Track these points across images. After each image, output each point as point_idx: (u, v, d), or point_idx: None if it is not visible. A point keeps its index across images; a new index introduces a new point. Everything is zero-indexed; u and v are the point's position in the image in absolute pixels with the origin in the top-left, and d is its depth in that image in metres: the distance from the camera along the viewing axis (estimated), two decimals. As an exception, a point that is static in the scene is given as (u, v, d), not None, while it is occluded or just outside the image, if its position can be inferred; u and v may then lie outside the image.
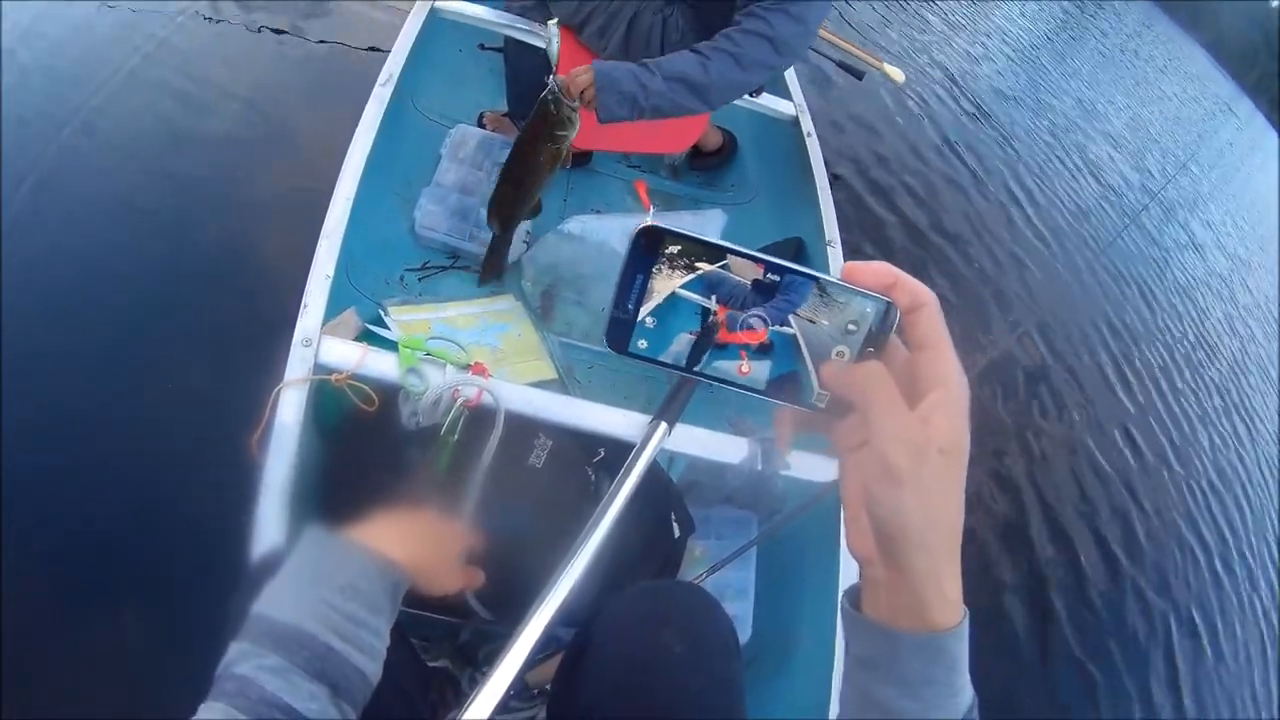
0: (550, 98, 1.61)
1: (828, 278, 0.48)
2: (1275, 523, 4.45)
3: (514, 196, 1.78)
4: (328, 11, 3.18)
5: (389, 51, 2.06)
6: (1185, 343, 5.47)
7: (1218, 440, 4.70)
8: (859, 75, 3.02)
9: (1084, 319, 4.71)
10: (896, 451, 0.45)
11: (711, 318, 0.48)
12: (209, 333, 1.90)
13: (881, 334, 0.49)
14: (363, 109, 1.85)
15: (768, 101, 2.45)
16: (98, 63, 2.48)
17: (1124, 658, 2.94)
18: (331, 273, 1.46)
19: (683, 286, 0.48)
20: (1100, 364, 4.41)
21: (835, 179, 3.72)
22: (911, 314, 0.48)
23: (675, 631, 1.03)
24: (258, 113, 2.57)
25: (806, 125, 2.45)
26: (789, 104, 2.51)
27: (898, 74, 3.05)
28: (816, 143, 2.40)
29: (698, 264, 0.47)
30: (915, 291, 0.47)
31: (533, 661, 1.02)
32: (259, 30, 2.89)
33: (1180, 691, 2.96)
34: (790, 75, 2.65)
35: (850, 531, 0.51)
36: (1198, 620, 3.32)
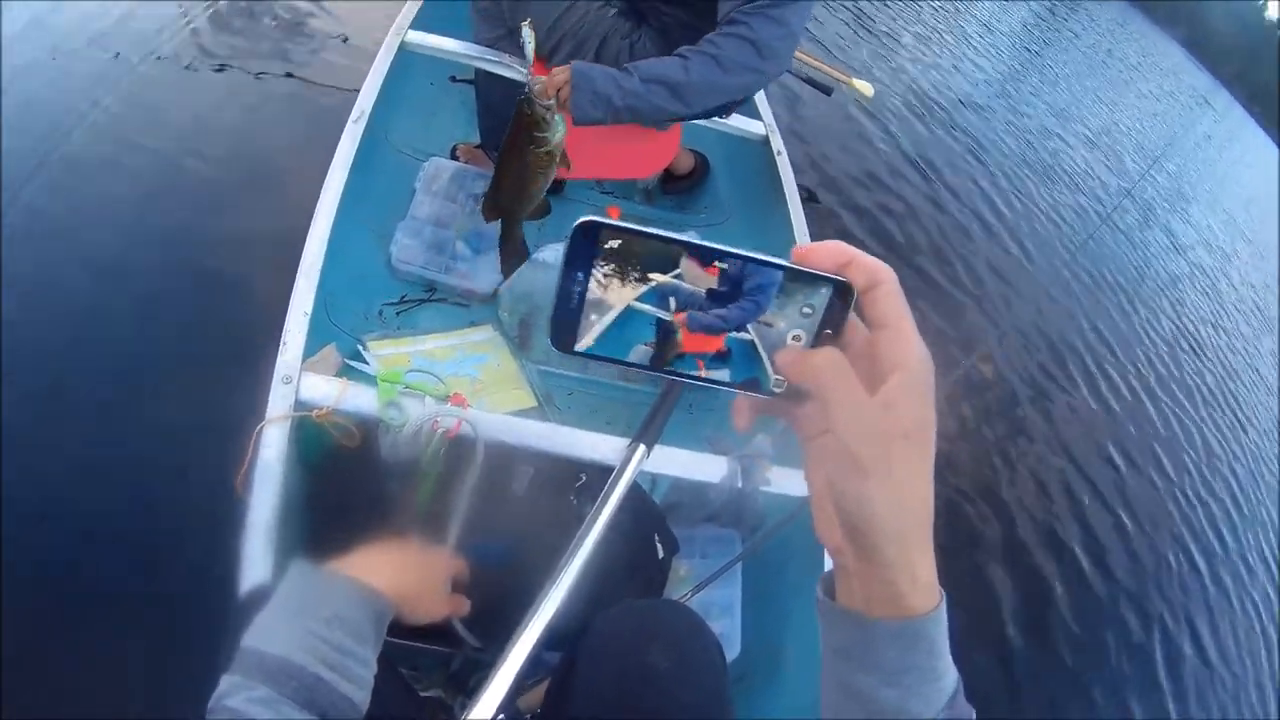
0: (523, 97, 1.61)
1: (779, 262, 0.46)
2: (1275, 523, 4.54)
3: (505, 194, 1.79)
4: (299, 50, 3.22)
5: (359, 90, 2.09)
6: (1168, 341, 5.56)
7: (1210, 437, 4.79)
8: (828, 91, 3.06)
9: (1063, 322, 4.78)
10: (859, 442, 0.44)
11: (669, 324, 0.47)
12: (192, 375, 1.91)
13: (838, 315, 0.48)
14: (336, 145, 1.88)
15: (738, 122, 2.50)
16: (65, 113, 2.50)
17: (1121, 659, 2.99)
18: (310, 309, 1.49)
19: (636, 299, 0.46)
20: (1083, 364, 4.49)
21: (809, 196, 3.78)
22: (869, 293, 0.46)
23: (662, 648, 1.05)
24: (232, 155, 2.60)
25: (777, 144, 2.50)
26: (759, 124, 2.56)
27: (867, 88, 3.09)
28: (787, 161, 2.45)
29: (650, 275, 0.45)
30: (871, 269, 0.46)
31: (520, 686, 1.04)
32: (221, 69, 2.92)
33: (1179, 691, 3.00)
34: (760, 95, 2.70)
35: (817, 521, 0.49)
36: (1197, 621, 3.37)
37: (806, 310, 0.47)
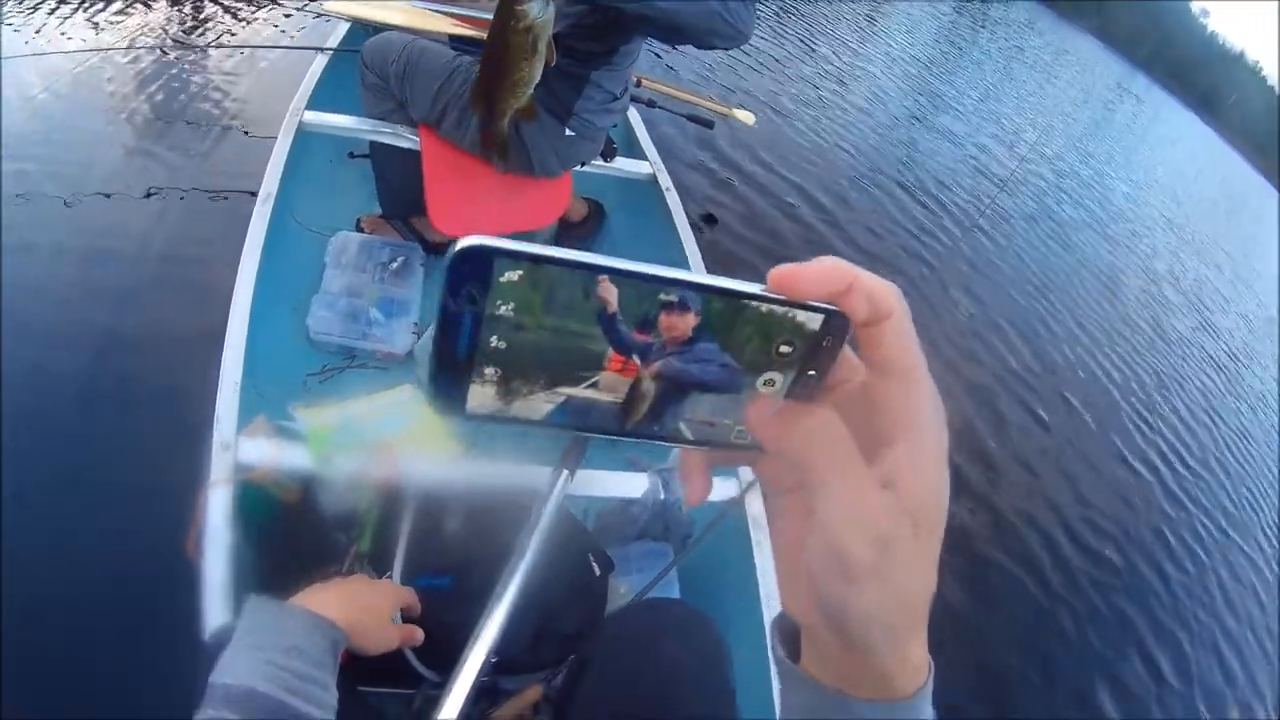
0: None
1: (752, 290, 0.36)
2: (1275, 521, 4.76)
3: (487, 77, 1.88)
4: (205, 148, 3.44)
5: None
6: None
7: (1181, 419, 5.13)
8: (709, 125, 3.32)
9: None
10: (853, 542, 0.35)
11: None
12: (132, 459, 2.06)
13: (827, 355, 0.38)
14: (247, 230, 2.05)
15: (625, 165, 2.73)
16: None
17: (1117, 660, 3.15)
18: (239, 379, 1.66)
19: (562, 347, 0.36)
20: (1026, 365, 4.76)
21: (708, 218, 4.02)
22: (872, 328, 0.36)
23: (675, 641, 1.16)
24: (145, 258, 2.76)
25: (664, 181, 2.73)
26: (645, 164, 2.80)
27: (748, 117, 3.35)
28: (675, 195, 2.68)
29: (570, 319, 0.35)
30: (878, 297, 0.36)
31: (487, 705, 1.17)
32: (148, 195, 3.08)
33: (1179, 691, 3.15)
34: (644, 136, 2.97)
35: (785, 592, 0.42)
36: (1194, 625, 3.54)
37: (784, 349, 0.37)
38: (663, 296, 0.35)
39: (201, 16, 4.72)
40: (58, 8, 4.20)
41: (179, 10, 4.74)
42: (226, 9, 4.84)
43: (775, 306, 0.36)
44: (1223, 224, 14.70)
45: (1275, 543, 4.53)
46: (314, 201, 2.69)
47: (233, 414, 1.59)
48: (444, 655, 1.25)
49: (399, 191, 2.56)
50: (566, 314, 0.34)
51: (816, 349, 0.37)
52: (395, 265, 2.48)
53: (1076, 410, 4.61)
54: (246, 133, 3.55)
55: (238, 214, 2.43)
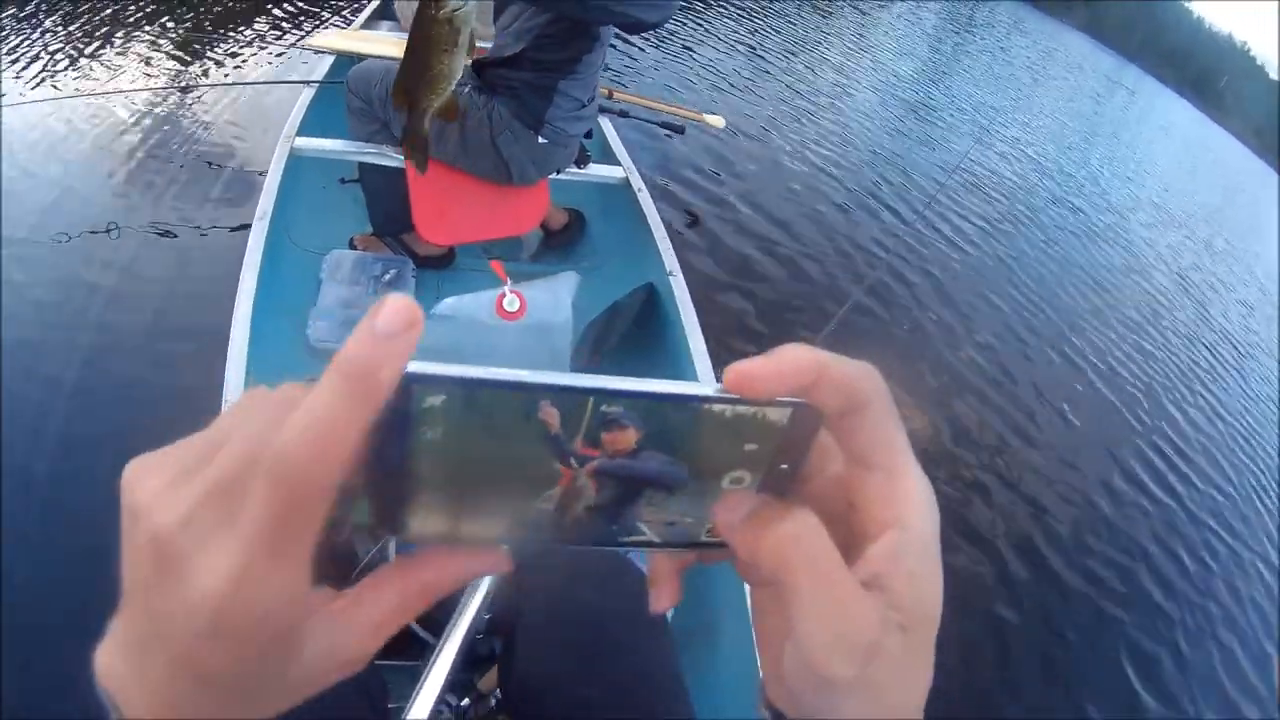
0: None
1: (708, 394, 0.33)
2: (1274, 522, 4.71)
3: (409, 73, 1.85)
4: (207, 185, 3.65)
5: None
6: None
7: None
8: (680, 130, 3.48)
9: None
10: (832, 658, 0.31)
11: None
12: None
13: (799, 448, 0.35)
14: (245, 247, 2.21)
15: (599, 170, 2.89)
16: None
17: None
18: (243, 378, 1.81)
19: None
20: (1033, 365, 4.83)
21: (692, 221, 4.17)
22: (848, 418, 0.34)
23: (590, 585, 1.11)
24: (151, 294, 2.96)
25: (636, 183, 2.88)
26: (618, 169, 2.96)
27: (718, 121, 3.51)
28: (648, 196, 2.83)
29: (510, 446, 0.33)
30: (850, 389, 0.33)
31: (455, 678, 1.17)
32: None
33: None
34: (616, 143, 3.14)
35: (768, 687, 0.38)
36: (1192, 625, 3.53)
37: (750, 447, 0.35)
38: (605, 409, 0.32)
39: (198, 57, 5.04)
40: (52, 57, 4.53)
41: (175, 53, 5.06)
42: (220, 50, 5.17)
43: (735, 407, 0.33)
44: (1222, 210, 14.75)
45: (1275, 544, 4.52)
46: (308, 224, 2.85)
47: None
48: (441, 621, 1.19)
49: (388, 208, 2.71)
50: (507, 437, 0.32)
51: (786, 443, 0.34)
52: (388, 278, 2.63)
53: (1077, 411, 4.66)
54: (239, 168, 3.79)
55: (236, 239, 2.61)
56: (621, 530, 0.36)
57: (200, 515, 0.31)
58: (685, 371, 2.24)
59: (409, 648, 1.19)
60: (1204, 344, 6.63)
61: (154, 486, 0.32)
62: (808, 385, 0.32)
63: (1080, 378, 5.00)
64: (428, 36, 1.72)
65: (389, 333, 0.28)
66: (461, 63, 1.78)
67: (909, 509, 0.34)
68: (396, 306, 0.29)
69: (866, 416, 0.33)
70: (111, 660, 0.34)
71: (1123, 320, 6.15)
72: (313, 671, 0.34)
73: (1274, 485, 5.00)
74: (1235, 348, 6.98)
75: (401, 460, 0.31)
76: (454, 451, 0.32)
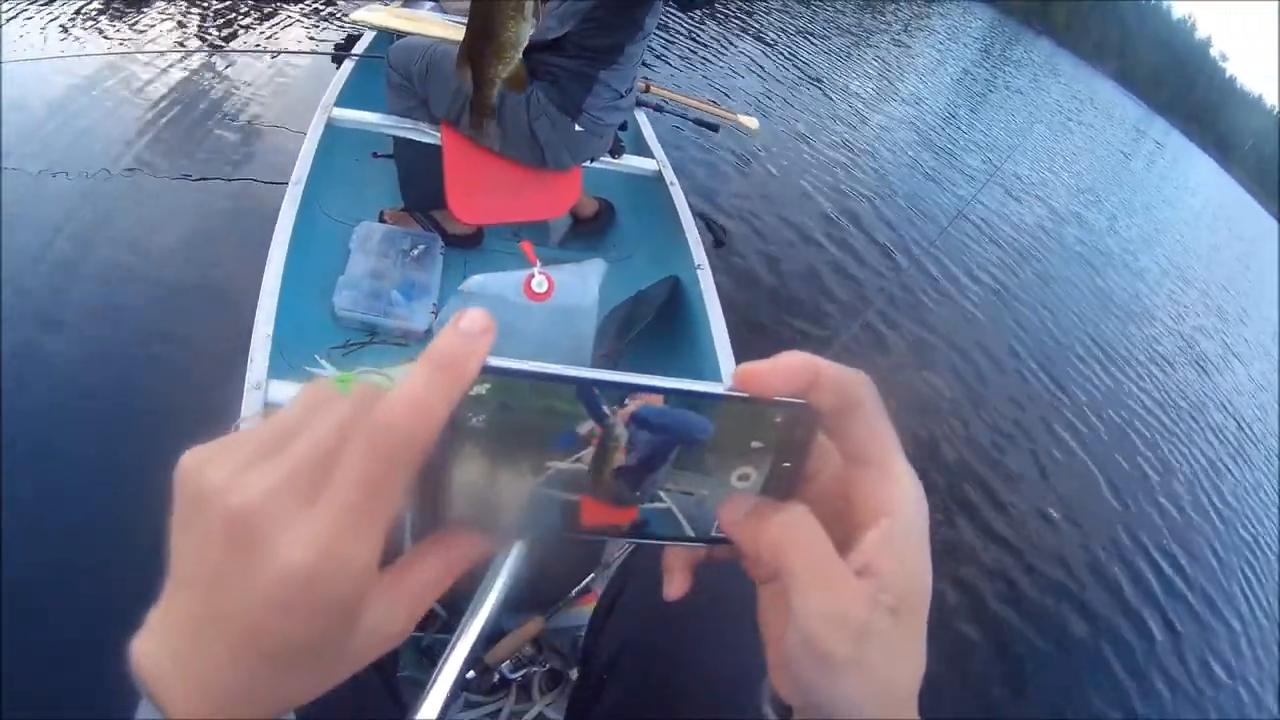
0: None
1: (717, 391, 0.37)
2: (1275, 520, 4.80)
3: (474, 40, 1.80)
4: (245, 148, 3.72)
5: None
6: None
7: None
8: (715, 129, 3.52)
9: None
10: (828, 637, 0.35)
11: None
12: (169, 412, 2.25)
13: (799, 447, 0.40)
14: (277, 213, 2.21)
15: (632, 161, 2.90)
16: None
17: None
18: (271, 331, 1.82)
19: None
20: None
21: (722, 230, 4.18)
22: (841, 418, 0.39)
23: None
24: (189, 253, 3.01)
25: (669, 176, 2.89)
26: (651, 161, 2.97)
27: (752, 123, 3.51)
28: (679, 189, 2.84)
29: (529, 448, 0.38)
30: (842, 389, 0.38)
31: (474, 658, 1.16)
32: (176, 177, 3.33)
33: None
34: (650, 136, 3.16)
35: (773, 675, 0.42)
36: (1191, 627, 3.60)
37: (756, 444, 0.39)
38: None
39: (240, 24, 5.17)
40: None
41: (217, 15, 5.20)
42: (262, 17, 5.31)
43: (742, 405, 0.38)
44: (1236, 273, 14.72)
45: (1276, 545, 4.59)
46: (339, 195, 2.86)
47: (264, 359, 1.75)
48: (452, 594, 1.27)
49: (420, 185, 2.72)
50: (547, 412, 0.37)
51: (788, 442, 0.39)
52: (416, 253, 2.65)
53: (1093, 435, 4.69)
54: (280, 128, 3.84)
55: (270, 200, 2.64)
56: (644, 496, 0.40)
57: (283, 494, 0.34)
58: (707, 366, 2.23)
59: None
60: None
61: (226, 471, 0.35)
62: (805, 386, 0.37)
63: (1082, 391, 5.11)
64: (494, 4, 1.70)
65: (472, 333, 0.34)
66: (528, 31, 1.75)
67: (898, 500, 0.38)
68: (476, 315, 0.35)
69: (859, 415, 0.38)
70: (154, 648, 0.36)
71: (1140, 342, 6.37)
72: (368, 643, 0.37)
73: (1274, 485, 5.13)
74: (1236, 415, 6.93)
75: (444, 453, 0.36)
76: (494, 431, 0.36)
